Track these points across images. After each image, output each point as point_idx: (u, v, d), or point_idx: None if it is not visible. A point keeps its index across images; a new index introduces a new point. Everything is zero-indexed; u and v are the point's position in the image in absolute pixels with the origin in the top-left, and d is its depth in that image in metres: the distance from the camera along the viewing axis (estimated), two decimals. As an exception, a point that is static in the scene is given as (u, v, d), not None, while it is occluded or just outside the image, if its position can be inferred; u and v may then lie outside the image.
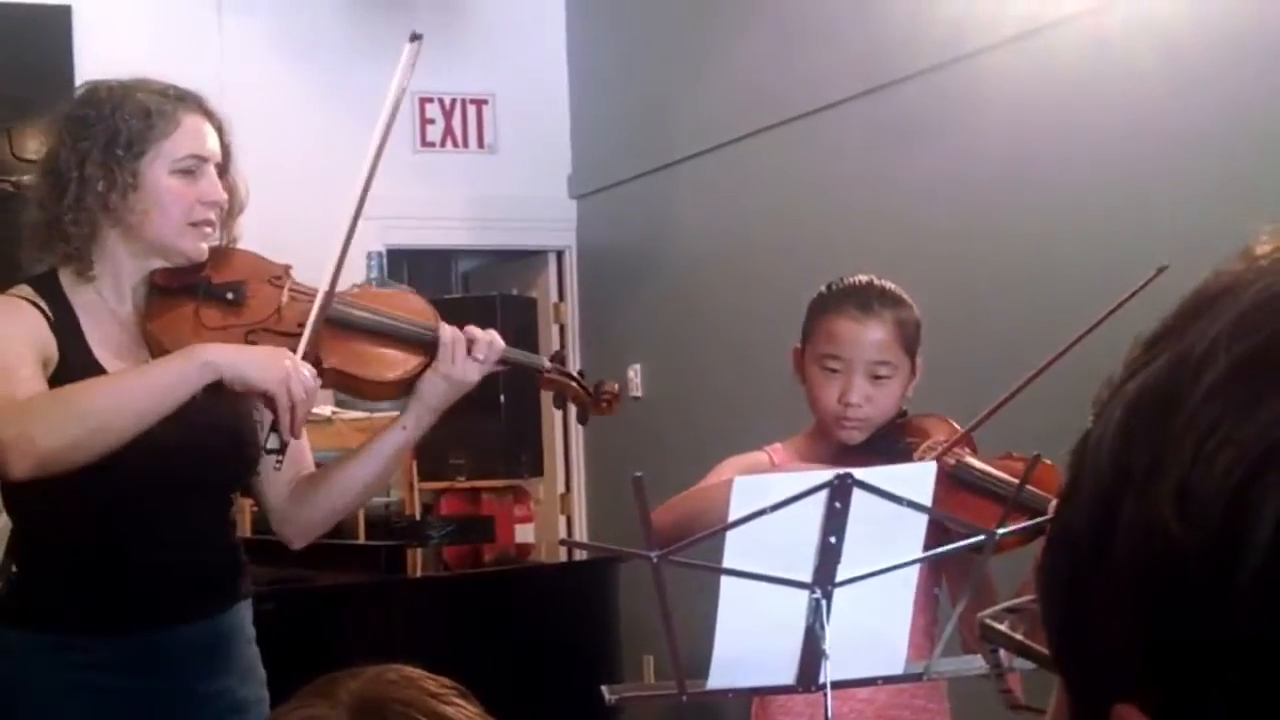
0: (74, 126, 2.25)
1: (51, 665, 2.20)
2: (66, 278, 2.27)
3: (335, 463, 2.46)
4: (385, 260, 5.44)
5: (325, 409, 4.52)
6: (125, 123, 2.22)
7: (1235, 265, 0.52)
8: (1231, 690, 0.47)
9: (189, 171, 2.25)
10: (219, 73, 5.01)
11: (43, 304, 2.23)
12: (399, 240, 5.83)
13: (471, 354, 2.31)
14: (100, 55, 5.14)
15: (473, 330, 2.34)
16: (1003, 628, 0.61)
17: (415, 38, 2.31)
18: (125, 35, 5.29)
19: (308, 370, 2.17)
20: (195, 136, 2.27)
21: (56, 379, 2.20)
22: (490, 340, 2.33)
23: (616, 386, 2.46)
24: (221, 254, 2.33)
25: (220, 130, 2.32)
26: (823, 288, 2.45)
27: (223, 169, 2.32)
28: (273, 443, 2.18)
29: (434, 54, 5.94)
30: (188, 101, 2.29)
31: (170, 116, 2.25)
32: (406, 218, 5.76)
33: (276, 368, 2.14)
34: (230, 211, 2.35)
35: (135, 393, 2.11)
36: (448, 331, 2.32)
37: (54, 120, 2.30)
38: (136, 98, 2.25)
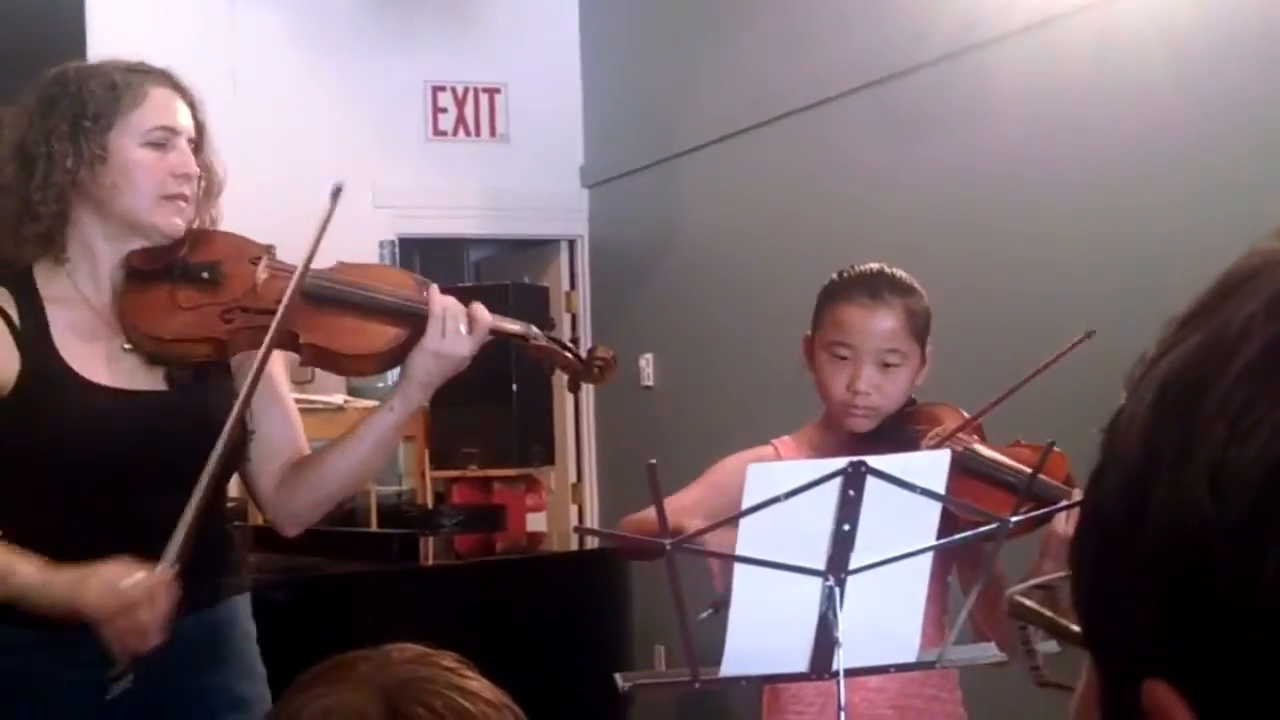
0: (40, 106, 2.18)
1: (51, 663, 2.14)
2: (42, 270, 2.21)
3: (323, 449, 2.35)
4: (397, 249, 5.44)
5: (337, 397, 4.53)
6: (91, 96, 2.16)
7: (1270, 244, 0.51)
8: (1261, 668, 0.47)
9: (159, 144, 2.19)
10: (231, 62, 5.02)
11: (9, 306, 2.18)
12: (411, 229, 5.84)
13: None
14: (113, 44, 5.13)
15: (458, 304, 2.23)
16: (1032, 604, 0.61)
17: (337, 191, 2.12)
18: (138, 24, 5.29)
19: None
20: (164, 109, 2.21)
21: (21, 386, 2.15)
22: (475, 314, 2.22)
23: (611, 353, 2.36)
24: (201, 235, 2.27)
25: (193, 106, 2.26)
26: (833, 275, 2.45)
27: (197, 147, 2.25)
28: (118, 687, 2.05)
29: (447, 43, 6.04)
30: (155, 75, 2.23)
31: (137, 88, 2.19)
32: (418, 207, 5.77)
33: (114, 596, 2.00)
34: (208, 191, 2.28)
35: None
36: (438, 303, 2.20)
37: (21, 103, 2.21)
38: (103, 72, 2.20)
